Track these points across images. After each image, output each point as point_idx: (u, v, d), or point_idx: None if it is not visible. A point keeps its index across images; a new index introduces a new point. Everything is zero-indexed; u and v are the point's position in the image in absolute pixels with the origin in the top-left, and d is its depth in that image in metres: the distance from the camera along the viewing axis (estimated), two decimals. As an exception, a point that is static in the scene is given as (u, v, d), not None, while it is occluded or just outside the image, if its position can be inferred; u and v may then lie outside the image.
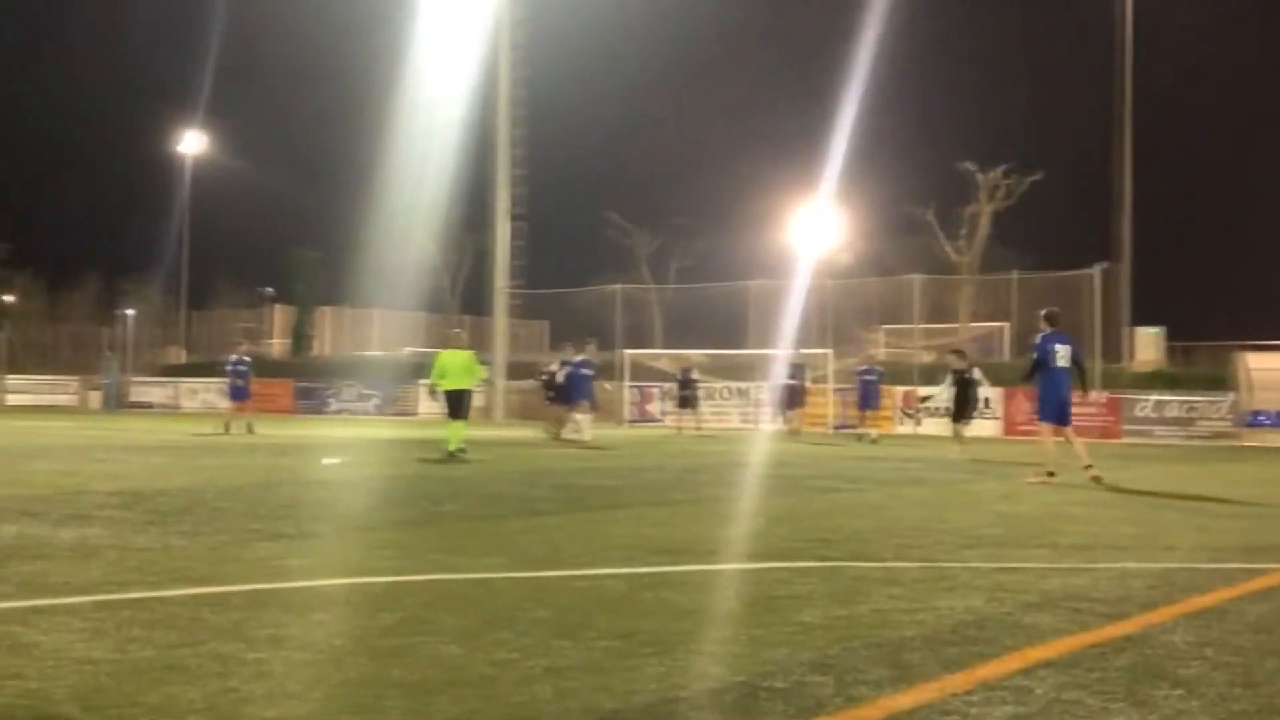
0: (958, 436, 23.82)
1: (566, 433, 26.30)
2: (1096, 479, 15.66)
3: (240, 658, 5.26)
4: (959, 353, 26.04)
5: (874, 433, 31.09)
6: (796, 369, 33.25)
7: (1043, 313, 17.18)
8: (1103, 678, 5.19)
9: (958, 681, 5.06)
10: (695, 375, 36.11)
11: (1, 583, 7.05)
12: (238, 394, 30.47)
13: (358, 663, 5.23)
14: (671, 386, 37.00)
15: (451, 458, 19.26)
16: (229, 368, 31.21)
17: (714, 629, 6.11)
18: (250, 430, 29.01)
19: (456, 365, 20.59)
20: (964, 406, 24.04)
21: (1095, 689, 4.99)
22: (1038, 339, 16.68)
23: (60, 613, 6.17)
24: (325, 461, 17.36)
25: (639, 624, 6.14)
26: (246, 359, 31.66)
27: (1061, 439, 16.75)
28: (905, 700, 4.76)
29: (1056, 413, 16.42)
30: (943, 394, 25.58)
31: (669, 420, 36.16)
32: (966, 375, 24.12)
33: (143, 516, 10.54)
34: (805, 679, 5.06)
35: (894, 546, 9.41)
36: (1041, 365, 16.37)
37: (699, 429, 34.22)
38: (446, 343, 22.18)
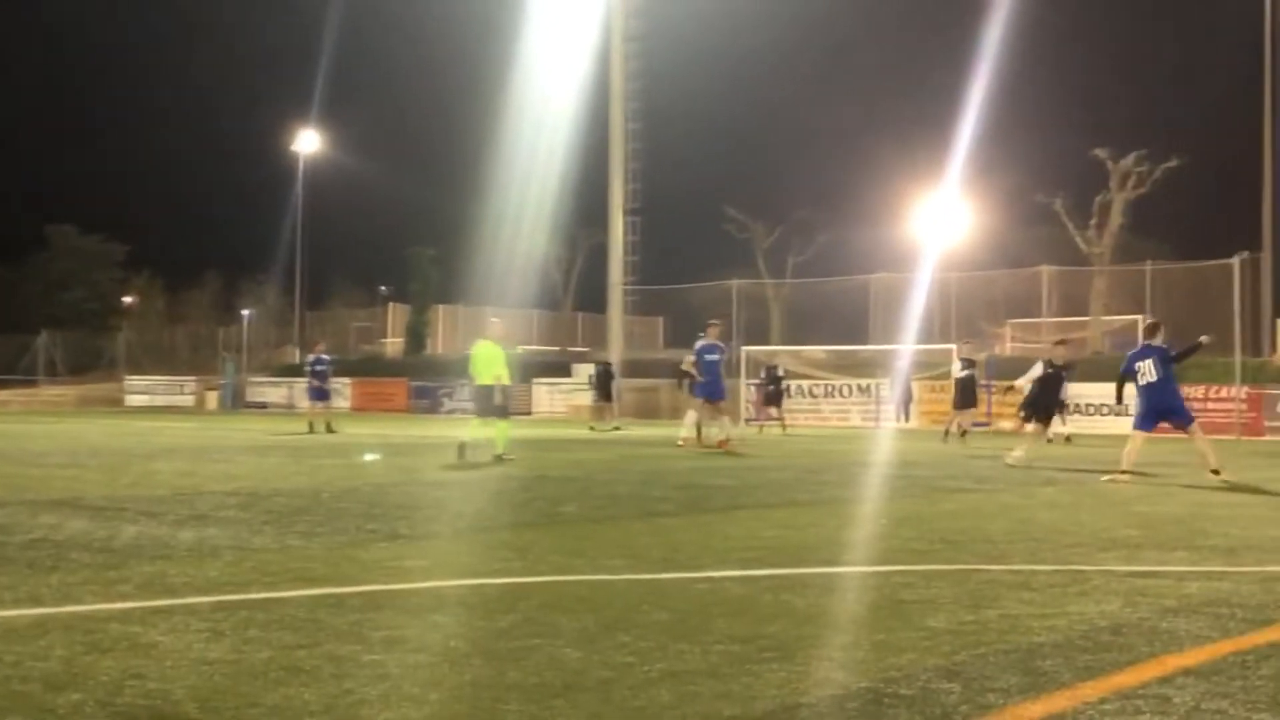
0: (1028, 433, 23.19)
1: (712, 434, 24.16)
2: (1218, 474, 15.76)
3: (357, 660, 5.34)
4: (1062, 342, 25.16)
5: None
6: (969, 364, 30.07)
7: (1146, 323, 17.63)
8: (1246, 686, 5.07)
9: (1092, 690, 4.98)
10: (781, 372, 35.87)
11: (122, 583, 7.25)
12: (318, 394, 31.05)
13: (474, 665, 5.28)
14: (759, 385, 36.37)
15: (499, 459, 18.40)
16: (308, 367, 31.99)
17: (837, 634, 6.08)
18: (329, 429, 29.61)
19: (485, 359, 19.54)
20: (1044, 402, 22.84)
21: (1239, 698, 4.88)
22: (1130, 353, 17.17)
23: (179, 613, 6.33)
24: (366, 457, 16.78)
25: (760, 628, 6.13)
26: (326, 358, 32.11)
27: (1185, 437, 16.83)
28: (1036, 709, 4.70)
29: (1154, 417, 16.68)
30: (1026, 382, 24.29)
31: (762, 418, 35.66)
32: (1061, 370, 22.91)
33: (260, 517, 10.77)
34: (932, 686, 5.01)
35: (1025, 549, 9.28)
36: (1130, 380, 16.79)
37: (785, 427, 33.75)
38: (481, 333, 20.74)
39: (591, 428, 34.21)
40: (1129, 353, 17.15)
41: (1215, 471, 15.91)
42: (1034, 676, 5.19)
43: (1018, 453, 19.52)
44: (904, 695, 4.86)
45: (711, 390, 23.42)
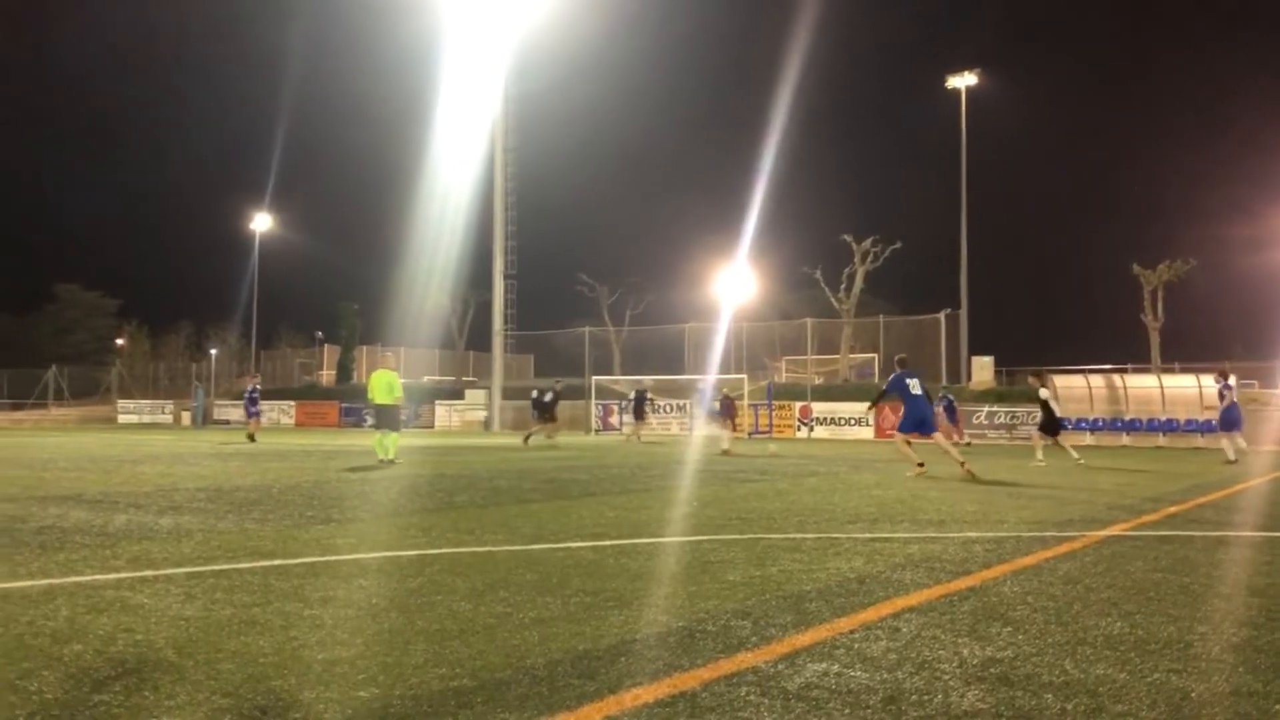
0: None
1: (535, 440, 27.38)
2: (970, 474, 15.59)
3: (300, 614, 5.19)
4: (1038, 375, 23.92)
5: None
6: (947, 399, 30.03)
7: (897, 358, 17.23)
8: (953, 619, 5.21)
9: (845, 624, 5.07)
10: (649, 395, 35.56)
11: (115, 559, 6.93)
12: (252, 412, 32.04)
13: (390, 617, 5.16)
14: (628, 403, 35.99)
15: (381, 464, 17.52)
16: (247, 394, 32.79)
17: (661, 587, 6.08)
18: (251, 439, 29.27)
19: (381, 383, 18.59)
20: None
21: (947, 628, 5.01)
22: (891, 377, 16.81)
23: (161, 581, 6.07)
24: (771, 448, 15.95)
25: (605, 584, 6.11)
26: (259, 387, 33.42)
27: (929, 442, 16.81)
28: (805, 639, 4.76)
29: (915, 426, 16.42)
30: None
31: (625, 430, 35.48)
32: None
33: (224, 507, 10.40)
34: (730, 624, 5.05)
35: (796, 522, 9.41)
36: (897, 394, 16.46)
37: (641, 438, 33.37)
38: (377, 364, 20.02)
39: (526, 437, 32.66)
40: (894, 375, 16.56)
41: (964, 463, 15.82)
42: (803, 615, 5.26)
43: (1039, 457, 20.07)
44: (710, 631, 4.89)
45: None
